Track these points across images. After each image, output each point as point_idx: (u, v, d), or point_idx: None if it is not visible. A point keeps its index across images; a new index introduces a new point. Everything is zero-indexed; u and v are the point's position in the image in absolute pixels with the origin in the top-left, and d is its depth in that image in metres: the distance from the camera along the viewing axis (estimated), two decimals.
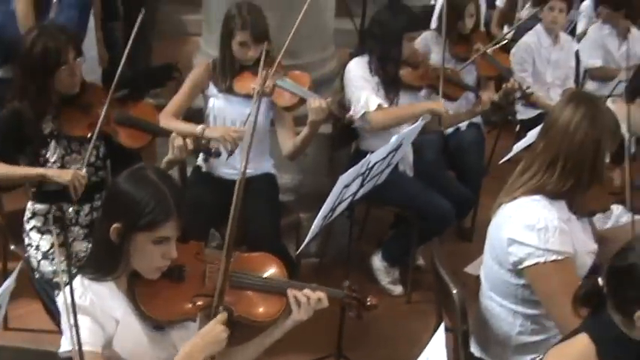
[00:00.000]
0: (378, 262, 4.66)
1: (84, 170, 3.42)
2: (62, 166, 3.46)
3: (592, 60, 6.22)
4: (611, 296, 2.20)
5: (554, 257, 2.69)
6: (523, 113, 5.70)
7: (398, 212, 4.70)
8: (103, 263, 2.40)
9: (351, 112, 3.97)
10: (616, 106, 3.58)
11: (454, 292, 2.94)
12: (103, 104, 3.44)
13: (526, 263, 2.72)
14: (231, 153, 3.83)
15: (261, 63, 3.78)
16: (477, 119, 5.21)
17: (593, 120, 2.76)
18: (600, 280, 2.23)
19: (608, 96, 4.90)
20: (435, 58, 4.93)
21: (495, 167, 4.77)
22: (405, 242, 4.54)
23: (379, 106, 4.20)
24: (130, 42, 3.52)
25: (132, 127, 3.58)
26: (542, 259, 2.69)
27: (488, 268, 2.95)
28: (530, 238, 2.71)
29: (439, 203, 4.35)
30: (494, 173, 4.96)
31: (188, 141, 3.41)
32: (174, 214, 2.35)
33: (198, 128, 3.88)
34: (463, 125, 5.12)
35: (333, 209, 3.35)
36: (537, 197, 2.79)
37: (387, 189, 3.98)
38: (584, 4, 7.27)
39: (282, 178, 4.44)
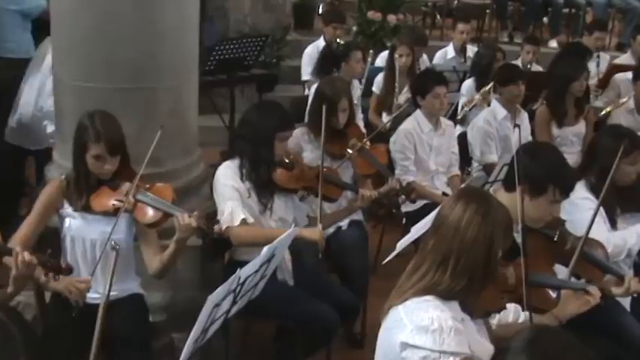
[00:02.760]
0: None
1: None
2: None
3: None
4: None
5: (451, 359, 2.76)
6: (408, 205, 5.88)
7: (279, 324, 4.77)
8: None
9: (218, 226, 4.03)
10: (499, 196, 3.76)
11: None
12: None
13: None
14: (76, 304, 3.87)
15: (135, 182, 3.88)
16: (359, 216, 5.46)
17: (485, 217, 2.90)
18: None
19: (493, 182, 5.26)
20: (308, 156, 5.16)
21: (382, 265, 4.78)
22: (289, 356, 4.61)
23: (243, 221, 4.32)
24: None
25: None
26: None
27: None
28: (424, 340, 2.77)
29: (322, 311, 4.41)
30: (382, 272, 5.14)
31: (32, 257, 3.44)
32: (21, 357, 2.43)
33: (42, 278, 3.77)
34: (344, 224, 5.34)
35: (204, 331, 3.44)
36: (428, 297, 2.87)
37: (265, 301, 4.11)
38: (465, 84, 7.77)
39: (151, 297, 4.46)
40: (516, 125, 3.80)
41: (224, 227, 4.20)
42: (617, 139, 4.54)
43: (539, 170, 3.80)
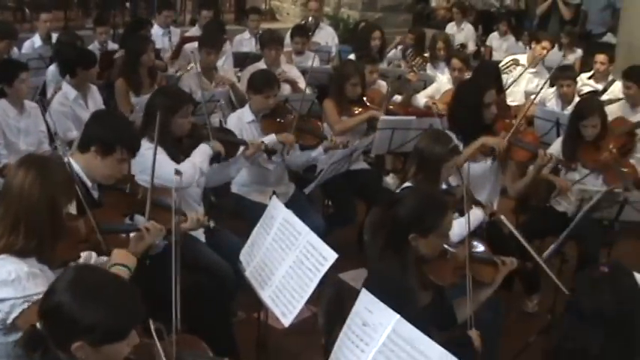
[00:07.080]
0: None
1: None
2: None
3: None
4: (50, 337, 2.44)
5: (35, 299, 2.86)
6: None
7: None
8: None
9: None
10: (76, 157, 3.96)
11: None
12: None
13: (13, 315, 2.91)
14: None
15: None
16: None
17: (44, 179, 3.04)
18: (38, 325, 2.46)
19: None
20: None
21: None
22: None
23: None
24: None
25: None
26: (25, 306, 2.90)
27: None
28: (7, 292, 2.91)
29: None
30: None
31: None
32: None
33: None
34: None
35: None
36: (3, 256, 2.99)
37: None
38: (49, 69, 7.72)
39: None
40: None
41: None
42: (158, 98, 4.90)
43: (108, 133, 3.97)
